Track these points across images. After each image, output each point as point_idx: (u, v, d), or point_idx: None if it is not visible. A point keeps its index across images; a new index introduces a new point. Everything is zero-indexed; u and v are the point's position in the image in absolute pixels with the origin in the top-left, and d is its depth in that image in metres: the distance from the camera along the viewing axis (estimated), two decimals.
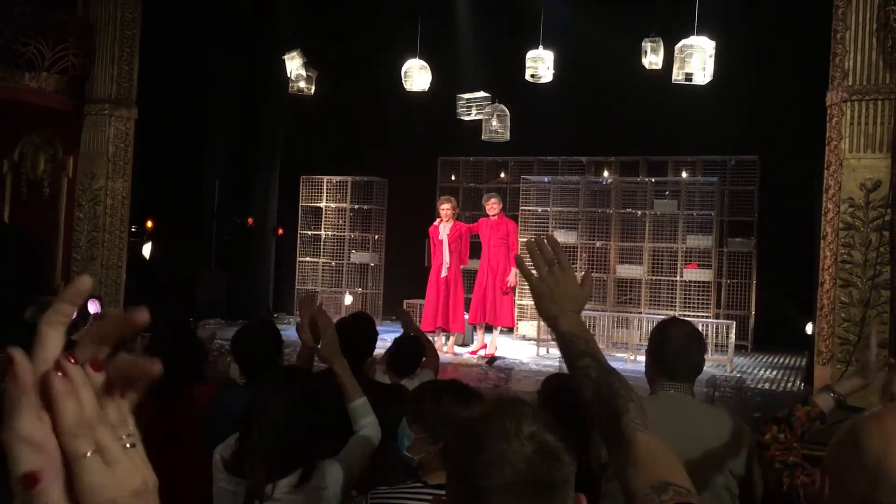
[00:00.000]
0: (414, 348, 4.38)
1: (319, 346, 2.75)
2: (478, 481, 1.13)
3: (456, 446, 1.19)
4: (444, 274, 9.30)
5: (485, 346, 9.34)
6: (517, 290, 10.08)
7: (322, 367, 2.93)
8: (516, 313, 10.36)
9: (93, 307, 8.22)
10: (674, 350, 2.67)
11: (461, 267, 9.61)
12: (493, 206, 9.34)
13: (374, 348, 3.84)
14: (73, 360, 0.64)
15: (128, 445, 0.65)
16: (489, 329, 9.49)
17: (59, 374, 0.63)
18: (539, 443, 1.15)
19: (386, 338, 5.31)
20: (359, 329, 3.65)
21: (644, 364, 2.84)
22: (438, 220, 9.44)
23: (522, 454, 1.13)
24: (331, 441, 2.54)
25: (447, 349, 9.34)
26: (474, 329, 9.83)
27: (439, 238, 9.35)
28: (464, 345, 9.72)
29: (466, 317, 9.71)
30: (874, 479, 1.19)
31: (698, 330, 2.92)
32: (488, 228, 9.41)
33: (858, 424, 1.26)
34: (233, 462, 2.46)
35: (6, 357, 0.63)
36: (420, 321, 9.66)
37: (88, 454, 0.62)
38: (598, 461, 2.63)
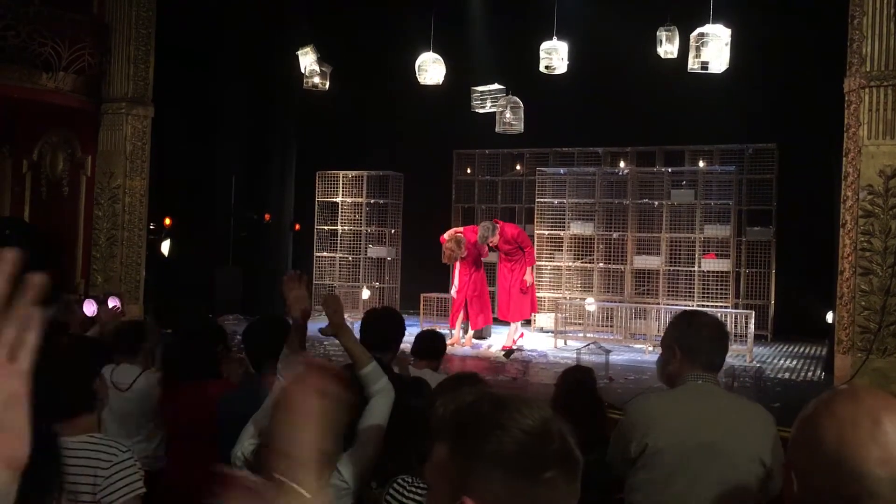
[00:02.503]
0: (435, 341, 4.56)
1: (326, 327, 2.82)
2: (539, 462, 1.13)
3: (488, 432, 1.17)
4: (452, 294, 9.44)
5: (514, 342, 9.34)
6: (536, 284, 10.07)
7: (330, 360, 2.95)
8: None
9: (112, 303, 8.29)
10: (706, 342, 2.68)
11: (482, 259, 9.65)
12: (491, 241, 9.35)
13: (401, 341, 3.89)
14: None
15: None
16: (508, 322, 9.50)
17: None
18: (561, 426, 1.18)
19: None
20: (387, 322, 3.74)
21: (662, 357, 2.78)
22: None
23: (559, 433, 1.15)
24: (349, 434, 2.55)
25: (465, 342, 9.36)
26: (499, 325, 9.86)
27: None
28: (481, 337, 9.72)
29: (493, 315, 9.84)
30: (835, 471, 1.20)
31: (723, 322, 2.94)
32: (500, 242, 9.45)
33: (813, 415, 1.26)
34: (256, 460, 2.47)
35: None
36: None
37: None
38: (626, 456, 2.63)
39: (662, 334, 2.83)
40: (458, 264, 9.37)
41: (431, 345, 4.64)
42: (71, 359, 2.59)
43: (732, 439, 2.53)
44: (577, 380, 3.88)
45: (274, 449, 0.72)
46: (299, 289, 2.97)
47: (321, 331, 2.91)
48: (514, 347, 9.02)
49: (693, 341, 2.67)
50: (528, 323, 10.50)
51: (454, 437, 1.16)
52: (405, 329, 3.92)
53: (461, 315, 9.43)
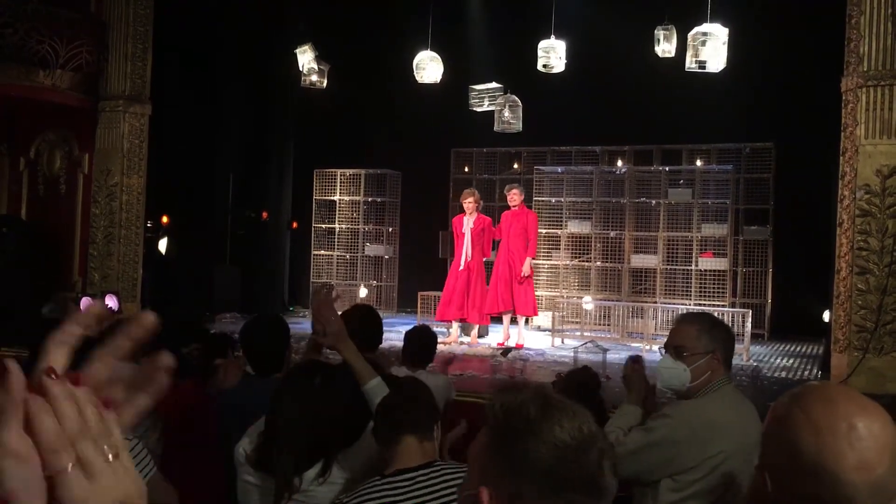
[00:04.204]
0: (425, 339, 4.43)
1: (325, 336, 2.72)
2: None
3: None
4: (461, 267, 9.30)
5: (508, 337, 9.33)
6: (536, 281, 10.05)
7: (328, 359, 2.95)
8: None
9: (111, 302, 8.30)
10: (732, 344, 2.72)
11: (484, 259, 9.61)
12: (514, 196, 9.33)
13: (381, 339, 3.80)
14: (54, 376, 0.64)
15: (111, 457, 0.65)
16: (513, 321, 9.47)
17: (38, 390, 0.63)
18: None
19: (401, 329, 5.35)
20: (360, 320, 3.63)
21: (692, 363, 2.69)
22: (463, 213, 9.48)
23: (597, 456, 1.18)
24: (351, 431, 2.55)
25: (471, 339, 9.36)
26: (497, 321, 9.80)
27: (462, 231, 9.36)
28: (480, 336, 9.71)
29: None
30: (814, 478, 1.23)
31: None
32: (509, 218, 9.41)
33: (787, 418, 1.28)
34: (257, 457, 2.47)
35: (2, 366, 0.64)
36: (434, 312, 9.70)
37: (69, 468, 0.62)
38: (677, 463, 2.64)
39: (683, 338, 2.71)
40: (465, 242, 9.31)
41: (424, 342, 4.49)
42: None
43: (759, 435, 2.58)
44: (580, 382, 3.82)
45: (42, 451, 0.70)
46: (331, 310, 2.75)
47: (321, 342, 2.79)
48: (507, 346, 9.00)
49: (728, 344, 2.72)
50: (526, 321, 10.49)
51: (496, 431, 1.19)
52: (381, 324, 3.80)
53: (454, 309, 9.35)
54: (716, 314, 9.15)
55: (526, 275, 9.26)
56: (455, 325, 9.48)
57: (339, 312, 3.03)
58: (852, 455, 1.21)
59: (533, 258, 9.50)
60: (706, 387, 2.67)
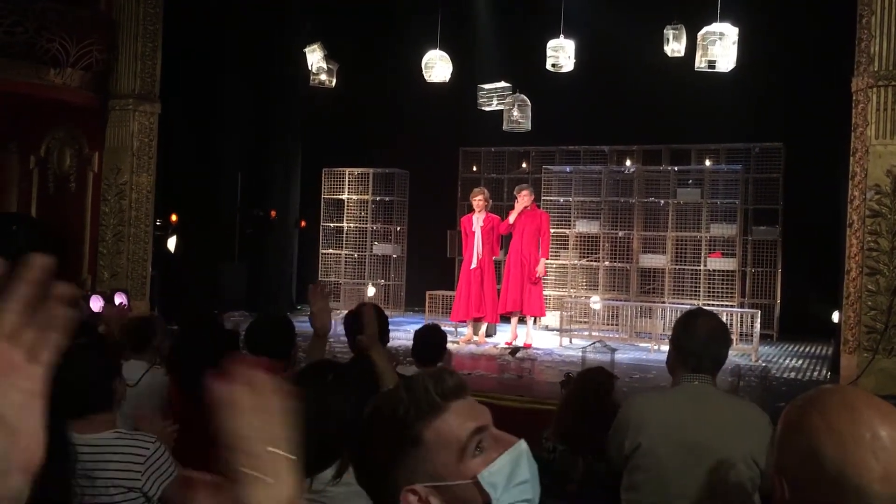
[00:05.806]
0: (434, 337, 4.43)
1: (363, 336, 2.83)
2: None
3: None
4: (473, 265, 9.32)
5: (516, 337, 9.33)
6: (544, 281, 10.06)
7: (335, 358, 2.97)
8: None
9: (119, 299, 8.32)
10: (699, 343, 2.68)
11: (493, 258, 9.62)
12: (524, 197, 9.33)
13: (387, 337, 3.79)
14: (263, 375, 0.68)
15: (288, 458, 0.69)
16: (521, 320, 9.47)
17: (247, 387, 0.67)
18: None
19: (409, 328, 5.37)
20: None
21: (667, 354, 2.83)
22: (472, 211, 9.51)
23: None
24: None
25: (479, 339, 9.36)
26: (505, 320, 9.83)
27: (472, 229, 9.37)
28: (487, 336, 9.72)
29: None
30: (835, 487, 1.20)
31: (724, 322, 2.91)
32: (522, 218, 9.40)
33: (806, 425, 1.25)
34: None
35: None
36: (451, 312, 9.69)
37: (259, 474, 0.65)
38: (621, 453, 2.63)
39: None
40: (475, 241, 9.33)
41: (434, 341, 4.47)
42: (92, 357, 2.59)
43: (723, 440, 2.53)
44: (596, 383, 3.79)
45: (229, 447, 0.73)
46: (322, 301, 2.96)
47: (357, 342, 2.89)
48: (515, 346, 9.00)
49: (685, 342, 2.69)
50: (534, 321, 10.49)
51: None
52: (387, 323, 3.78)
53: (473, 308, 9.35)
54: (724, 314, 9.13)
55: (540, 275, 9.28)
56: (469, 325, 9.50)
57: (345, 311, 3.09)
58: (877, 466, 1.18)
59: (546, 259, 9.51)
60: (675, 381, 2.74)
